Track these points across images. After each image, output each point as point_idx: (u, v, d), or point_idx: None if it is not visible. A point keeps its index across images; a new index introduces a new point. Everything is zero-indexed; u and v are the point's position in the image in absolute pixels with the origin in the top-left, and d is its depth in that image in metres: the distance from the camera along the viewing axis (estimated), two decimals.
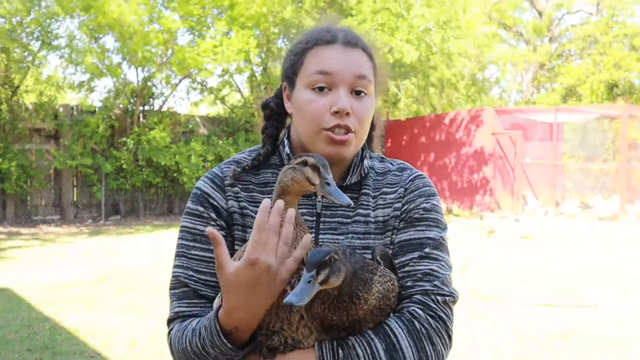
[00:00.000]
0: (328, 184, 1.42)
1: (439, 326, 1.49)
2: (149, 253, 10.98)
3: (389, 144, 23.14)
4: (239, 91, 20.50)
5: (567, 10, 33.60)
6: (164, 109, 18.43)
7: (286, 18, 17.50)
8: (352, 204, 1.40)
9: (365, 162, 1.72)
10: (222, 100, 20.40)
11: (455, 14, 18.77)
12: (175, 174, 17.46)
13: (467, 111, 21.18)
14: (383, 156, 1.82)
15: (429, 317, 1.49)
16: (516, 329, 6.25)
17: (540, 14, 33.65)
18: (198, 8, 17.45)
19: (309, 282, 1.29)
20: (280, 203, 1.44)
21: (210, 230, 1.42)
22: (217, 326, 1.44)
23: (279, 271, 1.41)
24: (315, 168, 1.43)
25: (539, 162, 19.65)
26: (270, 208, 1.43)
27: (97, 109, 16.94)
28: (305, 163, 1.45)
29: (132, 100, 17.53)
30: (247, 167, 1.69)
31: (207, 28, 17.97)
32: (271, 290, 1.41)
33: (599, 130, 20.95)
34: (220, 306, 1.47)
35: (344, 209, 1.67)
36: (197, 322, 1.52)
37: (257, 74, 19.21)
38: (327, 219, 1.63)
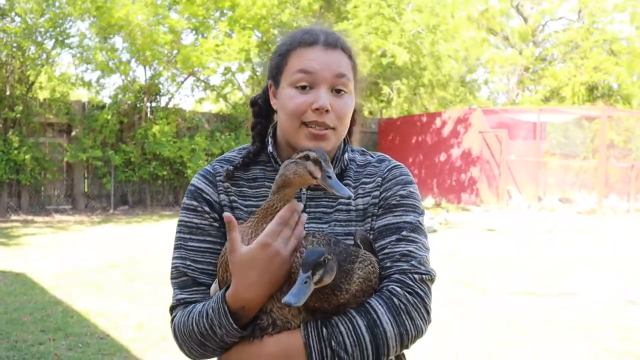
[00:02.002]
0: (329, 177, 1.43)
1: (416, 302, 1.51)
2: (155, 241, 10.98)
3: (382, 142, 23.19)
4: (241, 89, 20.50)
5: (551, 17, 33.68)
6: (170, 105, 18.38)
7: (284, 20, 17.57)
8: (353, 195, 1.44)
9: (346, 155, 1.74)
10: (225, 97, 20.33)
11: (444, 18, 18.83)
12: (180, 167, 17.43)
13: (457, 111, 21.21)
14: (364, 149, 1.83)
15: (407, 294, 1.50)
16: (499, 317, 6.23)
17: (525, 20, 33.70)
18: (202, 9, 17.43)
19: (305, 282, 1.30)
20: (299, 206, 1.47)
21: (227, 215, 1.44)
22: (225, 306, 1.46)
23: (287, 260, 1.44)
24: (316, 162, 1.44)
25: (523, 159, 19.75)
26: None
27: (106, 105, 16.86)
28: (307, 157, 1.45)
29: (139, 97, 17.47)
30: (238, 165, 1.71)
31: (209, 29, 17.96)
32: (277, 275, 1.44)
33: (579, 130, 21.04)
34: (225, 289, 1.49)
35: (327, 200, 1.68)
36: (203, 305, 1.53)
37: (258, 73, 19.22)
38: (311, 210, 1.65)
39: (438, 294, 6.59)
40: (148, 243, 10.94)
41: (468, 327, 5.89)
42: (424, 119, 22.10)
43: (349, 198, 1.42)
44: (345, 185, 1.70)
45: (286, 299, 1.27)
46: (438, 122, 21.18)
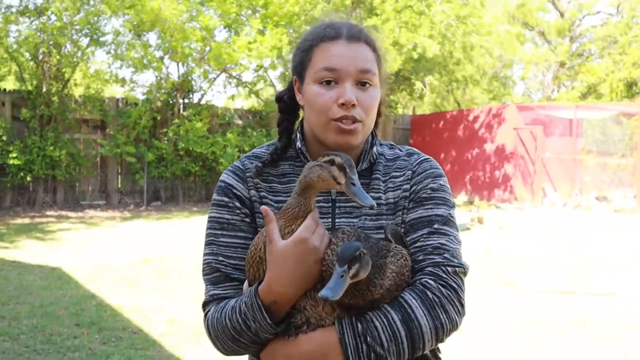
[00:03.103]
0: (353, 184, 1.43)
1: (450, 294, 1.50)
2: (186, 238, 11.09)
3: (414, 138, 23.03)
4: (273, 85, 20.57)
5: (588, 11, 33.06)
6: (203, 102, 18.47)
7: (316, 17, 17.45)
8: (375, 205, 1.41)
9: (375, 148, 1.73)
10: (257, 94, 20.39)
11: (475, 8, 18.60)
12: (212, 163, 17.52)
13: (490, 107, 21.00)
14: (392, 143, 1.83)
15: (440, 287, 1.50)
16: (528, 316, 6.17)
17: (562, 14, 33.15)
18: (235, 6, 17.51)
19: (342, 276, 1.30)
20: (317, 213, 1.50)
21: (264, 208, 1.47)
22: (259, 300, 1.46)
23: (322, 257, 1.45)
24: (341, 168, 1.44)
25: (558, 157, 19.46)
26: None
27: (140, 102, 17.03)
28: (332, 162, 1.45)
29: (172, 94, 17.61)
30: (267, 161, 1.71)
31: (242, 26, 18.02)
32: (312, 271, 1.45)
33: (617, 127, 20.62)
34: (257, 284, 1.49)
35: None
36: (236, 301, 1.54)
37: (289, 69, 19.17)
38: (342, 204, 1.65)
39: (469, 292, 6.55)
40: (179, 239, 11.06)
41: (498, 325, 5.83)
42: (457, 114, 21.98)
43: (372, 208, 1.41)
44: (375, 179, 1.70)
45: (323, 292, 1.28)
46: (471, 118, 20.94)
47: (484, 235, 12.30)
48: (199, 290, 6.77)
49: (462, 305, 1.54)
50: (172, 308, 6.24)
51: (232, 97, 21.57)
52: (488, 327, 5.76)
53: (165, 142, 17.13)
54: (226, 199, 1.68)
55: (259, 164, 1.72)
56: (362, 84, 1.60)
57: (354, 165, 1.45)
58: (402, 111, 25.55)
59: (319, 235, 1.46)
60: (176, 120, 17.21)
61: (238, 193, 1.68)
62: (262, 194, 1.68)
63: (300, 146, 1.71)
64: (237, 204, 1.67)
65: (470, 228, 13.14)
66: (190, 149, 17.01)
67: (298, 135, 1.74)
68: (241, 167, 1.73)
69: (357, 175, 1.45)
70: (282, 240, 1.45)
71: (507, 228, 13.48)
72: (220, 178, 1.75)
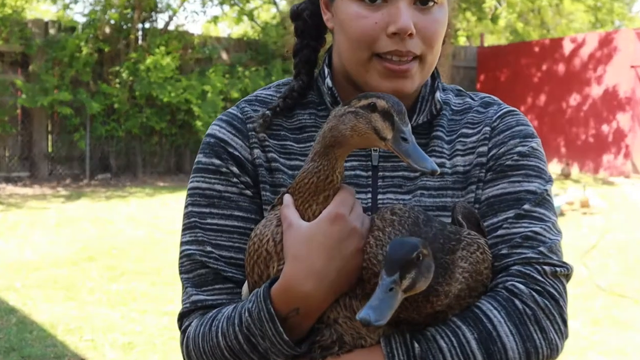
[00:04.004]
0: (405, 139, 1.40)
1: (549, 306, 1.51)
2: (149, 224, 11.15)
3: (481, 81, 22.77)
4: (274, 3, 20.48)
5: None
6: (171, 27, 18.48)
7: None
8: (439, 170, 1.39)
9: (437, 95, 1.74)
10: (250, 16, 20.35)
11: None
12: (186, 118, 17.52)
13: (595, 34, 20.75)
14: (460, 88, 1.85)
15: (534, 293, 1.50)
16: None
17: None
18: None
19: (390, 289, 1.29)
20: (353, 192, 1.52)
21: (287, 196, 1.49)
22: (271, 307, 1.45)
23: (363, 232, 1.45)
24: (387, 116, 1.41)
25: None
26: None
27: (79, 26, 16.98)
28: (374, 107, 1.43)
29: (126, 15, 17.55)
30: (277, 108, 1.71)
31: None
32: (351, 264, 1.44)
33: None
34: (269, 283, 1.48)
35: None
36: (234, 309, 1.54)
37: None
38: (387, 174, 1.68)
39: (572, 303, 6.44)
40: (139, 227, 11.14)
41: (606, 346, 5.82)
42: (546, 45, 21.79)
43: (433, 174, 1.39)
44: (437, 138, 1.72)
45: (363, 314, 1.26)
46: (568, 50, 20.75)
47: (587, 223, 12.22)
48: (166, 298, 6.85)
49: (565, 322, 1.54)
50: (130, 325, 6.24)
51: (215, 20, 21.48)
52: (591, 348, 5.75)
53: (117, 86, 17.14)
54: (217, 162, 1.68)
55: (267, 112, 1.71)
56: (422, 2, 1.59)
57: (405, 111, 1.43)
58: (465, 41, 25.39)
59: (358, 215, 1.47)
60: (132, 55, 17.21)
61: (235, 153, 1.69)
62: (270, 155, 1.69)
63: (330, 85, 1.72)
64: (234, 169, 1.68)
65: (566, 213, 13.06)
66: (154, 96, 17.03)
67: (325, 69, 1.74)
68: (239, 115, 1.74)
69: (409, 127, 1.42)
70: (304, 222, 1.46)
71: (623, 213, 13.36)
72: (209, 131, 1.76)
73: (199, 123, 16.96)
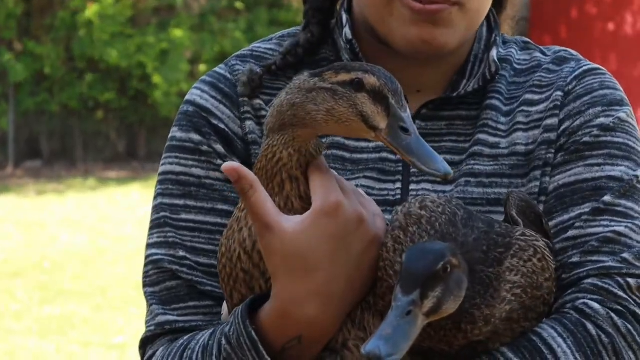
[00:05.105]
0: (405, 129, 1.39)
1: (632, 330, 1.53)
2: (92, 229, 11.18)
3: (535, 35, 22.66)
4: None
5: None
6: None
7: None
8: (452, 173, 1.38)
9: (494, 52, 1.77)
10: None
11: None
12: (140, 86, 17.56)
13: None
14: (528, 40, 1.87)
15: (613, 315, 1.52)
16: None
17: None
18: None
19: (408, 313, 1.29)
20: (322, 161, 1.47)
21: (229, 165, 1.44)
22: (252, 331, 1.45)
23: (377, 237, 1.46)
24: (379, 97, 1.40)
25: None
26: None
27: None
28: (359, 85, 1.41)
29: None
30: (275, 65, 1.75)
31: None
32: (365, 263, 1.47)
33: None
34: (250, 301, 1.49)
35: (450, 138, 1.73)
36: (211, 334, 1.55)
37: None
38: None
39: None
40: (78, 231, 11.12)
41: None
42: None
43: (446, 178, 1.39)
44: (491, 108, 1.75)
45: (370, 346, 1.24)
46: None
47: None
48: (114, 327, 6.95)
49: None
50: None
51: None
52: None
53: (50, 43, 17.14)
54: (196, 137, 1.73)
55: (256, 69, 1.75)
56: None
57: (402, 91, 1.43)
58: None
59: (357, 196, 1.48)
60: (70, 3, 17.32)
61: (221, 126, 1.74)
62: None
63: (349, 37, 1.75)
64: (218, 147, 1.73)
65: None
66: (98, 57, 17.05)
67: (344, 17, 1.77)
68: (228, 75, 1.78)
69: (409, 112, 1.42)
70: (287, 216, 1.44)
71: None
72: (187, 96, 1.79)
73: (157, 93, 16.94)
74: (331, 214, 1.40)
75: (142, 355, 1.66)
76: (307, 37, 1.76)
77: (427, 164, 1.33)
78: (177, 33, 16.85)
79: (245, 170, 1.41)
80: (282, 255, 1.42)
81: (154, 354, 1.62)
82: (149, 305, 1.66)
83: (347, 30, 1.70)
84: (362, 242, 1.42)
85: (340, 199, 1.41)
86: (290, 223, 1.42)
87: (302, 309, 1.43)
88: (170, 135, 1.72)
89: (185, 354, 1.54)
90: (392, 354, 1.22)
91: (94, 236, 10.45)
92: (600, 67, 1.71)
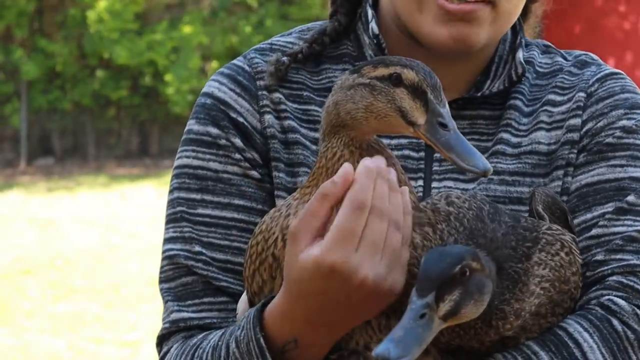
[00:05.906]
0: (444, 125, 1.39)
1: None
2: (104, 226, 11.17)
3: (550, 30, 22.48)
4: None
5: None
6: None
7: None
8: (491, 169, 1.39)
9: (520, 54, 1.77)
10: None
11: None
12: (153, 83, 17.52)
13: None
14: (549, 44, 1.87)
15: (638, 312, 1.56)
16: None
17: None
18: None
19: (422, 316, 1.28)
20: (374, 162, 1.42)
21: (347, 166, 1.38)
22: (260, 336, 1.46)
23: (386, 280, 1.42)
24: (417, 91, 1.41)
25: None
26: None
27: None
28: (397, 80, 1.42)
29: None
30: (300, 55, 1.74)
31: None
32: (369, 305, 1.45)
33: None
34: (262, 304, 1.50)
35: (474, 135, 1.75)
36: (222, 334, 1.57)
37: None
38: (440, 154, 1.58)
39: None
40: (90, 228, 11.11)
41: None
42: None
43: (485, 175, 1.41)
44: (514, 108, 1.75)
45: (381, 349, 1.24)
46: None
47: None
48: (127, 324, 7.03)
49: None
50: (79, 358, 6.26)
51: None
52: None
53: (62, 41, 17.13)
54: (214, 131, 1.73)
55: (283, 58, 1.75)
56: None
57: (441, 86, 1.44)
58: None
59: (371, 247, 1.42)
60: (80, 0, 17.29)
61: (239, 119, 1.73)
62: (287, 123, 1.73)
63: (375, 31, 1.74)
64: (236, 141, 1.72)
65: None
66: (108, 55, 17.02)
67: (369, 11, 1.77)
68: (247, 68, 1.78)
69: (447, 107, 1.42)
70: (318, 244, 1.42)
71: None
72: (205, 89, 1.78)
73: (169, 91, 16.92)
74: (329, 274, 1.39)
75: (159, 352, 1.66)
76: (334, 25, 1.76)
77: (466, 161, 1.34)
78: (187, 31, 16.79)
79: (350, 168, 1.41)
80: (287, 271, 1.44)
81: (168, 351, 1.63)
82: (165, 301, 1.67)
83: (373, 25, 1.70)
84: (360, 298, 1.41)
85: (332, 260, 1.38)
86: (309, 253, 1.40)
87: (302, 314, 1.45)
88: (187, 128, 1.72)
89: (196, 353, 1.56)
90: (402, 356, 1.22)
91: (106, 233, 10.43)
92: (621, 71, 1.73)
